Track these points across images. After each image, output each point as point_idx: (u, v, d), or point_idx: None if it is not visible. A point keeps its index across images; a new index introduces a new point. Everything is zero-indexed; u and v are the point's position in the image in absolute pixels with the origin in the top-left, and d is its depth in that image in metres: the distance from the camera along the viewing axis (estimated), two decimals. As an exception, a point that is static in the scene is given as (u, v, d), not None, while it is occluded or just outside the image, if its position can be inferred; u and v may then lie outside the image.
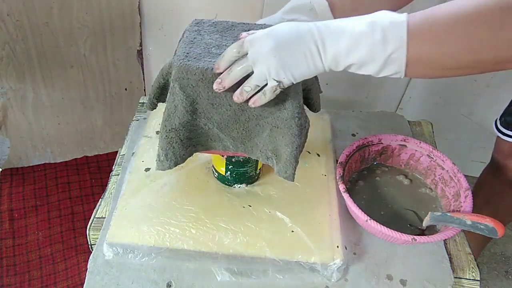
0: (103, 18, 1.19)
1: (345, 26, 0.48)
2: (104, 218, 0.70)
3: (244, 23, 0.61)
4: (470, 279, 0.66)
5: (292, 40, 0.48)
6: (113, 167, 0.81)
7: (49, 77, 1.27)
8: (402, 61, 0.46)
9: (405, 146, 0.76)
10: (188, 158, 0.62)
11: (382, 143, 0.76)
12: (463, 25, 0.44)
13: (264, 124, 0.57)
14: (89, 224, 0.71)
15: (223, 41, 0.58)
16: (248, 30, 0.60)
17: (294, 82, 0.51)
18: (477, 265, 0.68)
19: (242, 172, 0.70)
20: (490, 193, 1.04)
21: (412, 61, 0.46)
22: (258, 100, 0.52)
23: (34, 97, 1.30)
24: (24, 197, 1.36)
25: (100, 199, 0.74)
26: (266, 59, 0.48)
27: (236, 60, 0.51)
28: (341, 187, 0.66)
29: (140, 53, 1.30)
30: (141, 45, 1.28)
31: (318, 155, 0.79)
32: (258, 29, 0.59)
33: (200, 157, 0.76)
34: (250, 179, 0.73)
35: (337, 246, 0.64)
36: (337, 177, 0.68)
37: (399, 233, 0.60)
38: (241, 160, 0.68)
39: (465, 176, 0.69)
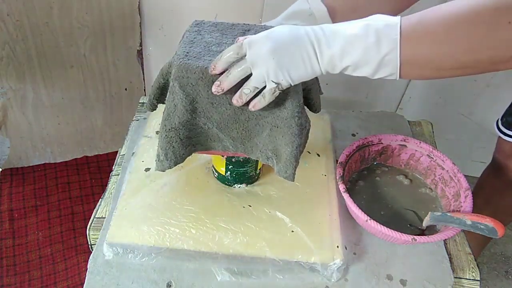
0: (103, 18, 1.19)
1: (340, 29, 0.48)
2: (104, 218, 0.70)
3: (244, 24, 0.61)
4: (470, 279, 0.66)
5: (291, 42, 0.48)
6: (113, 167, 0.81)
7: (49, 77, 1.27)
8: (396, 62, 0.46)
9: (405, 146, 0.76)
10: (188, 158, 0.62)
11: (382, 143, 0.76)
12: (459, 25, 0.44)
13: (264, 123, 0.57)
14: (89, 224, 0.71)
15: (224, 39, 0.58)
16: (249, 30, 0.60)
17: (292, 84, 0.51)
18: (477, 265, 0.68)
19: (242, 172, 0.70)
20: (490, 193, 1.04)
21: (407, 63, 0.46)
22: (258, 103, 0.52)
23: (34, 97, 1.30)
24: (24, 197, 1.36)
25: (100, 199, 0.74)
26: (265, 61, 0.48)
27: (234, 62, 0.51)
28: (341, 187, 0.66)
29: (140, 53, 1.30)
30: (141, 45, 1.28)
31: (318, 155, 0.79)
32: (258, 29, 0.59)
33: (200, 157, 0.76)
34: (250, 179, 0.73)
35: (337, 246, 0.64)
36: (337, 177, 0.68)
37: (399, 233, 0.60)
38: (241, 160, 0.68)
39: (465, 176, 0.69)
